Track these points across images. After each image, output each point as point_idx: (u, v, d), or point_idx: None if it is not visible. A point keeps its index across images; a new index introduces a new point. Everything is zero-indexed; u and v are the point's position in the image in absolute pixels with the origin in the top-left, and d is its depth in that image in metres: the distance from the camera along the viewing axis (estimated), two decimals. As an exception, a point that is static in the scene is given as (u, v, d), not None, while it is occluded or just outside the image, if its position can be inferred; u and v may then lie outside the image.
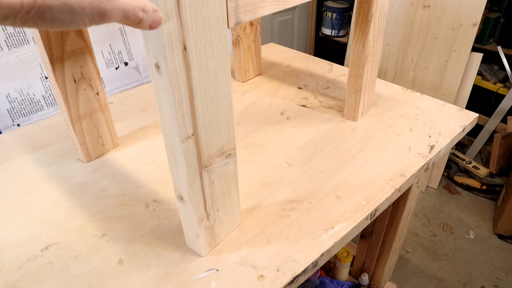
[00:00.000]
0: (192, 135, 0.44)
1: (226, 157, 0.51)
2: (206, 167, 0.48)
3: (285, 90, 0.93)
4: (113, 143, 0.75)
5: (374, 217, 0.64)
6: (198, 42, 0.40)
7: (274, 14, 1.85)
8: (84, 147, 0.70)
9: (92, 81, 0.67)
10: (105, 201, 0.64)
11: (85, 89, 0.67)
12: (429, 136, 0.78)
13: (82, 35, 0.63)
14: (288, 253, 0.55)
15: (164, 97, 0.41)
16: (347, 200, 0.64)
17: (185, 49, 0.39)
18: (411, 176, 0.68)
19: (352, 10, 1.72)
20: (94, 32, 0.62)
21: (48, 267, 0.54)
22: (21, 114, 0.87)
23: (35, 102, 0.91)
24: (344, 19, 1.77)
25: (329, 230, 0.59)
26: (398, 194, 0.68)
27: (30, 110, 0.89)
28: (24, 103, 0.88)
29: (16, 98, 0.86)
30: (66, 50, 0.62)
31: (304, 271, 0.54)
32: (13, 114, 0.87)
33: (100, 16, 0.30)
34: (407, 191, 0.89)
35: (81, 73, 0.65)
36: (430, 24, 1.36)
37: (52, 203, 0.64)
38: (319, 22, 1.86)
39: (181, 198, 0.50)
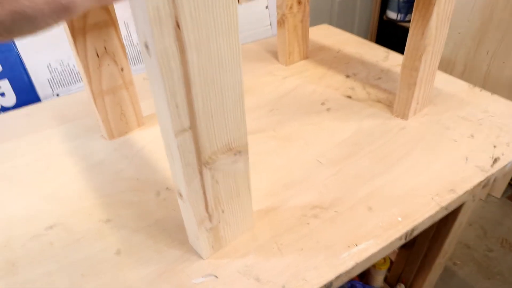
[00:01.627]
0: (190, 128, 0.37)
1: (235, 154, 0.43)
2: (208, 164, 0.41)
3: (331, 78, 0.82)
4: (138, 122, 0.70)
5: (411, 237, 0.54)
6: (196, 18, 0.32)
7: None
8: (106, 124, 0.66)
9: (116, 57, 0.62)
10: (119, 184, 0.60)
11: (108, 64, 0.62)
12: (494, 146, 0.63)
13: (106, 7, 0.58)
14: (299, 268, 0.47)
15: (155, 83, 0.34)
16: (380, 214, 0.54)
17: (178, 26, 0.32)
18: (464, 193, 0.56)
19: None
20: (122, 7, 0.56)
21: (48, 248, 0.51)
22: (60, 84, 0.86)
23: (74, 73, 0.89)
24: (413, 2, 1.56)
25: (352, 247, 0.49)
26: (444, 213, 0.56)
27: (69, 81, 0.88)
28: (64, 73, 0.86)
29: (57, 69, 0.85)
30: (88, 22, 0.57)
31: (315, 293, 0.45)
32: (53, 84, 0.86)
33: (65, 11, 0.26)
34: (458, 208, 0.75)
35: (105, 48, 0.60)
36: (515, 10, 1.15)
37: (68, 180, 0.61)
38: (384, 4, 1.67)
39: (180, 195, 0.43)
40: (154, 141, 0.68)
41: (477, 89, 0.77)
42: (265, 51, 0.93)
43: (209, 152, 0.40)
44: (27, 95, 0.84)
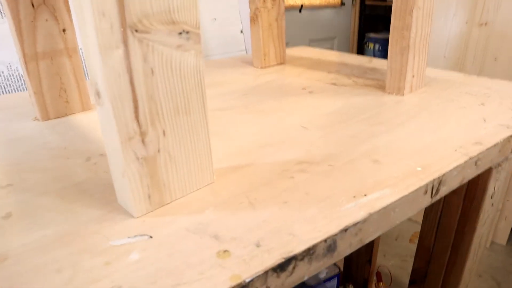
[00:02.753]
0: (103, -49, 0.24)
1: (180, 33, 0.29)
2: (136, 30, 0.26)
3: (311, 73, 0.71)
4: (82, 103, 0.55)
5: (438, 195, 0.37)
6: None
7: (311, 41, 1.70)
8: (39, 98, 0.51)
9: (57, 12, 0.50)
10: (38, 153, 0.43)
11: (46, 20, 0.50)
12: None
13: (46, -52, 0.48)
14: (281, 223, 0.29)
15: None
16: (391, 166, 0.37)
17: None
18: (492, 146, 0.41)
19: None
20: None
21: None
22: (5, 91, 0.72)
23: (24, 80, 0.76)
24: (387, 50, 1.58)
25: (360, 197, 0.32)
26: (475, 171, 0.40)
27: (16, 88, 0.74)
28: (11, 78, 0.73)
29: (3, 72, 0.72)
30: (22, -40, 0.46)
31: (308, 253, 0.27)
32: (-4, 89, 0.71)
33: None
34: (481, 195, 0.58)
35: (43, -2, 0.49)
36: (489, 44, 1.12)
37: (-27, 154, 0.44)
38: (360, 54, 1.67)
39: (97, 93, 0.28)
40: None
41: (473, 76, 0.67)
42: (239, 61, 0.83)
43: (139, 10, 0.26)
44: (-39, 97, 0.69)
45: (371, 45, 1.61)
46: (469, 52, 1.17)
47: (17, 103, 0.61)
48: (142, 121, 0.28)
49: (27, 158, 0.41)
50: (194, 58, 0.30)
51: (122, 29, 0.25)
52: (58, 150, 0.43)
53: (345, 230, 0.29)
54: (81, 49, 0.70)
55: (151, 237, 0.28)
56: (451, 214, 0.67)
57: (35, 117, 0.54)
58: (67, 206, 0.32)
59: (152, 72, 0.28)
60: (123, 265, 0.26)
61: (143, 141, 0.29)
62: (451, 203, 0.64)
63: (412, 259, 1.28)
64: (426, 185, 0.35)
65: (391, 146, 0.41)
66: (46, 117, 0.53)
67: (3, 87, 0.71)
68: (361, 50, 1.67)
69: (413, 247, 1.33)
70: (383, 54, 1.59)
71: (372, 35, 1.66)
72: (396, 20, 0.54)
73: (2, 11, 0.72)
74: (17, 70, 0.73)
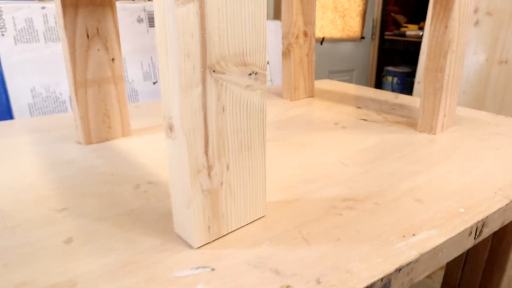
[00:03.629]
0: None
1: (250, 74, 0.31)
2: (214, 71, 0.28)
3: (341, 108, 0.73)
4: (123, 129, 0.58)
5: (480, 236, 0.38)
6: None
7: (331, 72, 1.74)
8: (85, 123, 0.54)
9: (108, 42, 0.53)
10: (87, 177, 0.44)
11: (98, 49, 0.53)
12: (548, 151, 0.52)
13: (104, -16, 0.51)
14: (338, 259, 0.30)
15: None
16: (433, 206, 0.38)
17: None
18: (535, 187, 0.42)
19: (414, 75, 1.56)
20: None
21: (-36, 235, 0.33)
22: (42, 111, 0.75)
23: (60, 102, 0.79)
24: (405, 84, 1.61)
25: (409, 237, 0.33)
26: (516, 214, 0.41)
27: (52, 109, 0.77)
28: (48, 100, 0.76)
29: (41, 94, 0.75)
30: (82, -5, 0.50)
31: (367, 291, 0.28)
32: (34, 110, 0.74)
33: None
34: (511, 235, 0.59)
35: (97, 29, 0.52)
36: (509, 81, 1.14)
37: (23, 172, 0.46)
38: (378, 87, 1.71)
39: (170, 127, 0.29)
40: (141, 147, 0.55)
41: (501, 116, 0.68)
42: (268, 93, 0.86)
43: (218, 52, 0.28)
44: (1, 117, 0.72)
45: (389, 78, 1.64)
46: (489, 88, 1.20)
47: (57, 125, 0.63)
48: (210, 156, 0.30)
49: (78, 182, 0.43)
50: (259, 97, 0.32)
51: (202, 70, 0.28)
52: (106, 176, 0.45)
53: (399, 269, 0.30)
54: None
55: (213, 269, 0.29)
56: (479, 252, 0.67)
57: (78, 141, 0.56)
58: (125, 233, 0.34)
59: (224, 109, 0.30)
60: (190, 296, 0.27)
61: (209, 175, 0.30)
62: (479, 241, 0.64)
63: (430, 296, 1.26)
64: (471, 227, 0.36)
65: (430, 185, 0.43)
66: (89, 141, 0.55)
67: (40, 108, 0.74)
68: (379, 83, 1.71)
69: (431, 283, 1.31)
70: (401, 87, 1.62)
71: (390, 68, 1.70)
72: (430, 62, 0.56)
73: (46, 37, 0.76)
74: (54, 92, 0.76)
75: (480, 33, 1.27)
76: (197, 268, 0.29)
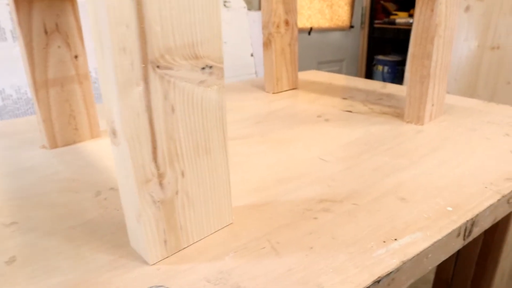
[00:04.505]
0: (125, -15, 0.22)
1: (203, 68, 0.27)
2: (158, 66, 0.25)
3: (325, 99, 0.69)
4: (91, 131, 0.54)
5: (470, 237, 0.34)
6: None
7: (320, 63, 1.69)
8: (48, 126, 0.50)
9: (70, 39, 0.49)
10: (46, 186, 0.41)
11: (59, 46, 0.49)
12: (542, 139, 0.48)
13: (61, -25, 0.47)
14: (308, 272, 0.27)
15: None
16: (419, 204, 0.35)
17: None
18: (529, 180, 0.39)
19: (405, 63, 1.52)
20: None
21: None
22: (14, 114, 0.71)
23: (32, 104, 0.75)
24: (396, 73, 1.57)
25: (390, 242, 0.30)
26: (507, 209, 0.38)
27: (24, 111, 0.73)
28: (19, 102, 0.71)
29: (11, 96, 0.71)
30: (36, -13, 0.46)
31: (340, 309, 0.25)
32: (3, 114, 0.70)
33: None
34: (505, 227, 0.56)
35: (56, 24, 0.48)
36: (501, 68, 1.11)
37: (-22, 185, 0.42)
38: (368, 76, 1.67)
39: (113, 132, 0.26)
40: (109, 150, 0.51)
41: (493, 103, 0.65)
42: (250, 85, 0.82)
43: (161, 45, 0.24)
44: (-32, 121, 0.68)
45: (379, 68, 1.60)
46: (481, 75, 1.16)
47: (24, 129, 0.59)
48: (160, 163, 0.26)
49: (34, 192, 0.40)
50: (216, 93, 0.28)
51: (143, 66, 0.24)
52: (67, 182, 0.41)
53: (378, 281, 0.27)
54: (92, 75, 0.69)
55: (167, 288, 0.26)
56: (471, 246, 0.64)
57: (43, 145, 0.52)
58: (75, 250, 0.30)
59: (173, 109, 0.26)
60: (137, 323, 0.23)
61: (160, 184, 0.27)
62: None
63: (424, 286, 1.23)
64: (459, 227, 0.32)
65: (416, 181, 0.39)
66: (54, 145, 0.51)
67: (11, 110, 0.70)
68: (369, 72, 1.67)
69: (426, 273, 1.29)
70: (392, 76, 1.59)
71: (380, 57, 1.66)
72: (416, 48, 0.52)
73: (14, 35, 0.72)
74: (26, 94, 0.72)
75: (471, 19, 1.23)
76: (151, 287, 0.26)
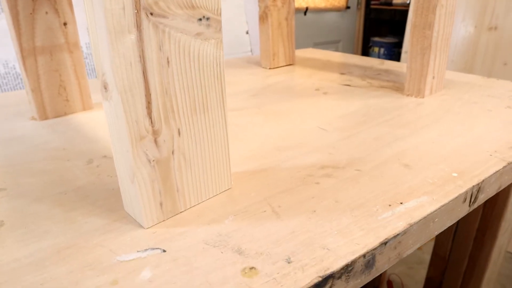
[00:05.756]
0: None
1: (200, 19, 0.25)
2: (152, 13, 0.23)
3: (323, 74, 0.68)
4: (83, 102, 0.52)
5: (475, 203, 0.33)
6: None
7: (316, 44, 1.66)
8: (37, 96, 0.48)
9: (58, 5, 0.47)
10: (35, 154, 0.39)
11: (46, 12, 0.46)
12: (545, 110, 0.47)
13: None
14: (312, 233, 0.26)
15: None
16: (423, 171, 0.34)
17: None
18: (534, 147, 0.38)
19: (401, 46, 1.50)
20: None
21: None
22: (1, 89, 0.68)
23: (21, 79, 0.72)
24: (392, 55, 1.55)
25: (396, 206, 0.29)
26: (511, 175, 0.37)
27: (13, 87, 0.70)
28: (7, 77, 0.69)
29: None
30: None
31: (346, 270, 0.23)
32: (-8, 88, 0.68)
33: None
34: (503, 202, 0.55)
35: (43, -11, 0.45)
36: (498, 48, 1.10)
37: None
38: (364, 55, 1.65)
39: (104, 86, 0.24)
40: (102, 120, 0.49)
41: (493, 79, 0.64)
42: (245, 62, 0.80)
43: (153, -11, 0.22)
44: (-46, 96, 0.65)
45: (376, 49, 1.58)
46: (478, 56, 1.15)
47: (13, 102, 0.57)
48: (155, 118, 0.24)
49: (23, 160, 0.38)
50: (214, 48, 0.26)
51: (135, 11, 0.22)
52: (57, 151, 0.39)
53: (384, 243, 0.25)
54: (86, 44, 0.67)
55: (164, 251, 0.24)
56: (469, 221, 0.63)
57: (32, 116, 0.50)
58: (66, 214, 0.28)
59: (168, 62, 0.24)
60: (132, 285, 0.22)
61: (155, 141, 0.25)
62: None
63: (419, 266, 1.24)
64: (466, 192, 0.31)
65: (419, 149, 0.38)
66: (44, 116, 0.49)
67: (-1, 85, 0.67)
68: (365, 54, 1.65)
69: (420, 254, 1.30)
70: (388, 58, 1.57)
71: (377, 39, 1.63)
72: (417, 18, 0.51)
73: (0, 6, 0.69)
74: (14, 68, 0.70)
75: (469, -1, 1.21)
76: (145, 250, 0.24)
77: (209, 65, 0.26)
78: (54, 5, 0.46)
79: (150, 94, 0.24)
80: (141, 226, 0.27)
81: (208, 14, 0.25)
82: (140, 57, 0.23)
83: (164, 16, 0.23)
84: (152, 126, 0.24)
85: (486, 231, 0.60)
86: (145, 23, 0.22)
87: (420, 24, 0.51)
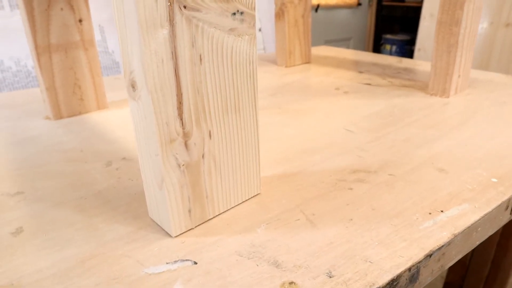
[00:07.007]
0: None
1: (234, 14, 0.23)
2: (185, 6, 0.21)
3: (341, 73, 0.66)
4: (98, 101, 0.50)
5: (519, 211, 0.31)
6: None
7: (327, 42, 1.63)
8: (52, 95, 0.46)
9: (73, 1, 0.45)
10: (52, 155, 0.37)
11: (61, 9, 0.45)
12: None
13: None
14: (353, 244, 0.24)
15: None
16: (460, 175, 0.32)
17: None
18: None
19: (413, 43, 1.47)
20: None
21: None
22: (13, 87, 0.67)
23: (33, 77, 0.71)
24: (405, 52, 1.52)
25: (437, 214, 0.27)
26: (553, 182, 0.35)
27: (25, 84, 0.69)
28: (19, 75, 0.67)
29: (10, 68, 0.67)
30: None
31: (392, 285, 0.22)
32: (3, 86, 0.66)
33: None
34: None
35: (58, -16, 0.44)
36: (514, 46, 1.07)
37: (-22, 156, 0.38)
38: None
39: (132, 84, 0.22)
40: (118, 120, 0.48)
41: (517, 77, 0.61)
42: (259, 60, 0.78)
43: (187, -19, 0.21)
44: (-34, 94, 0.64)
45: (387, 47, 1.56)
46: (494, 53, 1.12)
47: (26, 100, 0.55)
48: (186, 120, 0.23)
49: (39, 162, 0.36)
50: (247, 44, 0.24)
51: (169, 4, 0.20)
52: (74, 153, 0.38)
53: (429, 255, 0.24)
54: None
55: (195, 263, 0.23)
56: (487, 243, 0.61)
57: (47, 116, 0.48)
58: (88, 220, 0.27)
59: (201, 59, 0.22)
60: (164, 300, 0.20)
61: (186, 144, 0.23)
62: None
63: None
64: (508, 199, 0.29)
65: (453, 152, 0.36)
66: (58, 115, 0.47)
67: (10, 83, 0.66)
68: (377, 52, 1.62)
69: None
70: (400, 56, 1.54)
71: (388, 36, 1.60)
72: (444, 15, 0.49)
73: (11, 3, 0.67)
74: (26, 66, 0.68)
75: (483, -4, 1.18)
76: (175, 262, 0.23)
77: (242, 63, 0.24)
78: (70, 1, 0.45)
79: (182, 94, 0.22)
80: (168, 235, 0.25)
81: (242, 8, 0.23)
82: (172, 53, 0.21)
83: (197, 10, 0.21)
84: (183, 128, 0.23)
85: (510, 236, 0.58)
86: (178, 17, 0.21)
87: (446, 20, 0.48)
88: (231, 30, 0.23)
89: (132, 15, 0.20)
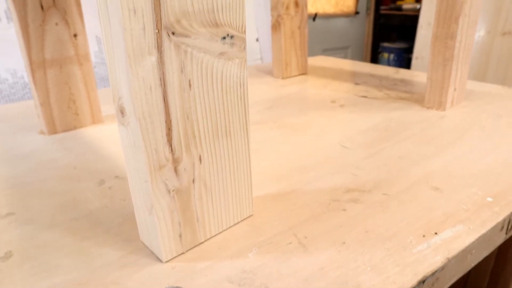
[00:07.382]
0: None
1: (224, 38, 0.23)
2: (174, 33, 0.21)
3: (337, 85, 0.66)
4: (93, 116, 0.50)
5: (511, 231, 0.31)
6: None
7: (324, 50, 1.64)
8: (46, 110, 0.46)
9: (68, 15, 0.45)
10: (45, 173, 0.37)
11: (56, 24, 0.45)
12: None
13: None
14: (345, 270, 0.24)
15: None
16: (455, 194, 0.32)
17: None
18: None
19: (411, 51, 1.47)
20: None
21: None
22: (9, 99, 0.67)
23: (30, 89, 0.71)
24: (402, 60, 1.53)
25: (431, 236, 0.27)
26: (549, 200, 0.35)
27: (21, 96, 0.69)
28: (15, 86, 0.67)
29: (7, 80, 0.67)
30: (31, -43, 0.41)
31: (384, 314, 0.21)
32: (0, 98, 0.66)
33: None
34: None
35: (53, 0, 0.44)
36: None
37: (-29, 174, 0.38)
38: (374, 63, 1.63)
39: (121, 110, 0.22)
40: (113, 135, 0.47)
41: (514, 89, 0.61)
42: (255, 70, 0.78)
43: (177, 7, 0.20)
44: (-38, 106, 0.64)
45: (385, 55, 1.56)
46: (491, 62, 1.12)
47: (21, 114, 0.55)
48: (175, 146, 0.22)
49: (32, 179, 0.36)
50: (238, 68, 0.24)
51: (156, 31, 0.20)
52: (67, 170, 0.38)
53: (422, 281, 0.23)
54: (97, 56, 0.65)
55: (185, 290, 0.22)
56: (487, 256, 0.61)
57: (41, 130, 0.48)
58: (79, 244, 0.27)
59: (190, 85, 0.22)
60: (152, 332, 0.20)
61: (175, 170, 0.23)
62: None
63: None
64: (503, 220, 0.29)
65: (448, 169, 0.36)
66: (53, 130, 0.47)
67: (7, 95, 0.66)
68: (375, 60, 1.63)
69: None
70: (398, 64, 1.54)
71: (386, 44, 1.61)
72: (439, 28, 0.49)
73: (8, 15, 0.67)
74: (22, 78, 0.68)
75: (483, 3, 1.18)
76: (165, 289, 0.22)
77: (232, 87, 0.24)
78: (64, 16, 0.45)
79: (171, 120, 0.22)
80: (159, 260, 0.25)
81: (232, 32, 0.23)
82: (161, 80, 0.21)
83: (186, 36, 0.21)
84: (172, 154, 0.22)
85: (508, 249, 0.58)
86: (166, 43, 0.21)
87: (442, 34, 0.48)
88: (221, 54, 0.23)
89: (120, 44, 0.19)
